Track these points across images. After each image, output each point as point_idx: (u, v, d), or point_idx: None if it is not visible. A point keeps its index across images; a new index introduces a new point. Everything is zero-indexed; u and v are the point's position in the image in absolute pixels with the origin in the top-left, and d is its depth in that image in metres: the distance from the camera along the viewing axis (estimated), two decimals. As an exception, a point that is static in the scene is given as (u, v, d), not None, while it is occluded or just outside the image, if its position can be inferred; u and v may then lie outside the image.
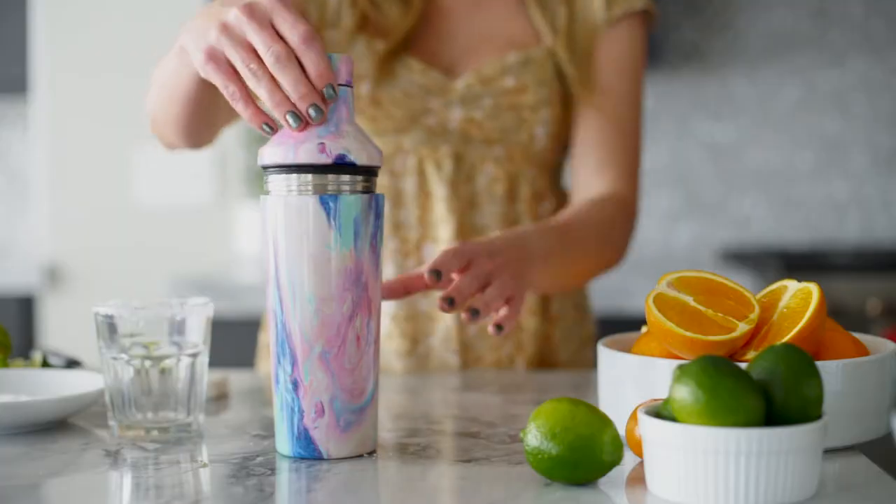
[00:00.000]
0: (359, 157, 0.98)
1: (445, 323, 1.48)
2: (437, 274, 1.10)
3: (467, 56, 1.50)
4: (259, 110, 1.00)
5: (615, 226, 1.47)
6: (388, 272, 1.49)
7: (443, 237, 1.48)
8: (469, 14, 1.51)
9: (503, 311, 1.17)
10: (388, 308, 1.49)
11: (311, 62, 0.97)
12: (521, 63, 1.48)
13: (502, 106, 1.48)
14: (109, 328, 1.08)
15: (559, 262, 1.35)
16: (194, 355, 1.09)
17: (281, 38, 0.97)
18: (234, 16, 0.98)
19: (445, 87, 1.48)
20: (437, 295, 1.47)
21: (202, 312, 1.10)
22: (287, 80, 0.96)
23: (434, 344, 1.48)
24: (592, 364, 1.58)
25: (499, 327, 1.17)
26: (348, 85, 1.00)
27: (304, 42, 0.96)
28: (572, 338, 1.56)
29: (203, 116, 1.28)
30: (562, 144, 1.54)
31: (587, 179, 1.49)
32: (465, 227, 1.49)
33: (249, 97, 1.00)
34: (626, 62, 1.52)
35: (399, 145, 1.49)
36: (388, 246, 1.49)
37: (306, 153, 0.97)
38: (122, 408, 1.09)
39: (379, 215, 1.01)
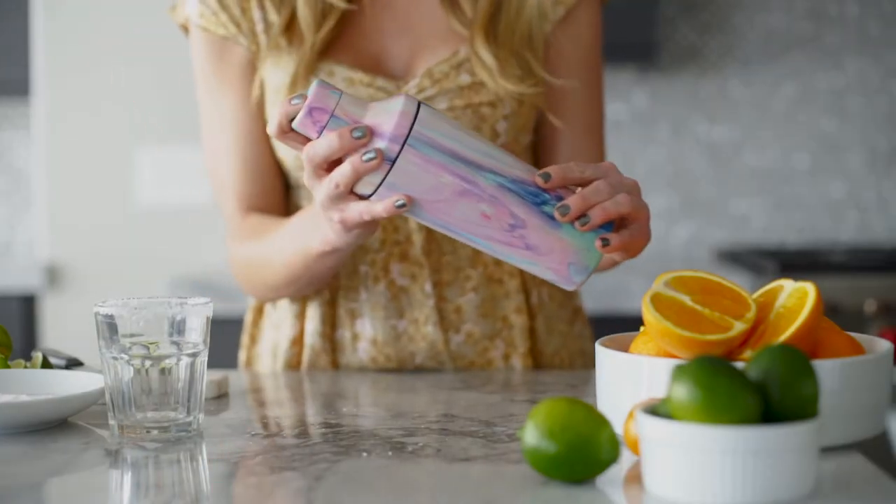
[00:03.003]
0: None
1: (427, 340, 1.44)
2: (545, 176, 1.12)
3: (420, 53, 1.43)
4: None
5: None
6: (363, 298, 1.44)
7: (412, 255, 1.43)
8: (417, 7, 1.44)
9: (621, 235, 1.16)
10: (366, 333, 1.45)
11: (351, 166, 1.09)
12: (475, 57, 1.41)
13: (458, 107, 1.41)
14: (109, 328, 1.08)
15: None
16: (194, 355, 1.09)
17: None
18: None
19: (395, 93, 1.41)
20: (417, 313, 1.44)
21: (202, 312, 1.10)
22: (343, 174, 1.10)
23: (420, 360, 1.44)
24: (583, 358, 1.56)
25: (605, 241, 1.13)
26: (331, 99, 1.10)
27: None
28: (556, 328, 1.51)
29: (327, 276, 1.41)
30: (527, 134, 1.48)
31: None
32: (436, 239, 1.44)
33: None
34: (588, 59, 1.49)
35: None
36: (359, 271, 1.44)
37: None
38: (123, 407, 1.09)
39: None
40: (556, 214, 1.10)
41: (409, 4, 1.45)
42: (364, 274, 1.44)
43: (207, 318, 1.11)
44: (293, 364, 1.48)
